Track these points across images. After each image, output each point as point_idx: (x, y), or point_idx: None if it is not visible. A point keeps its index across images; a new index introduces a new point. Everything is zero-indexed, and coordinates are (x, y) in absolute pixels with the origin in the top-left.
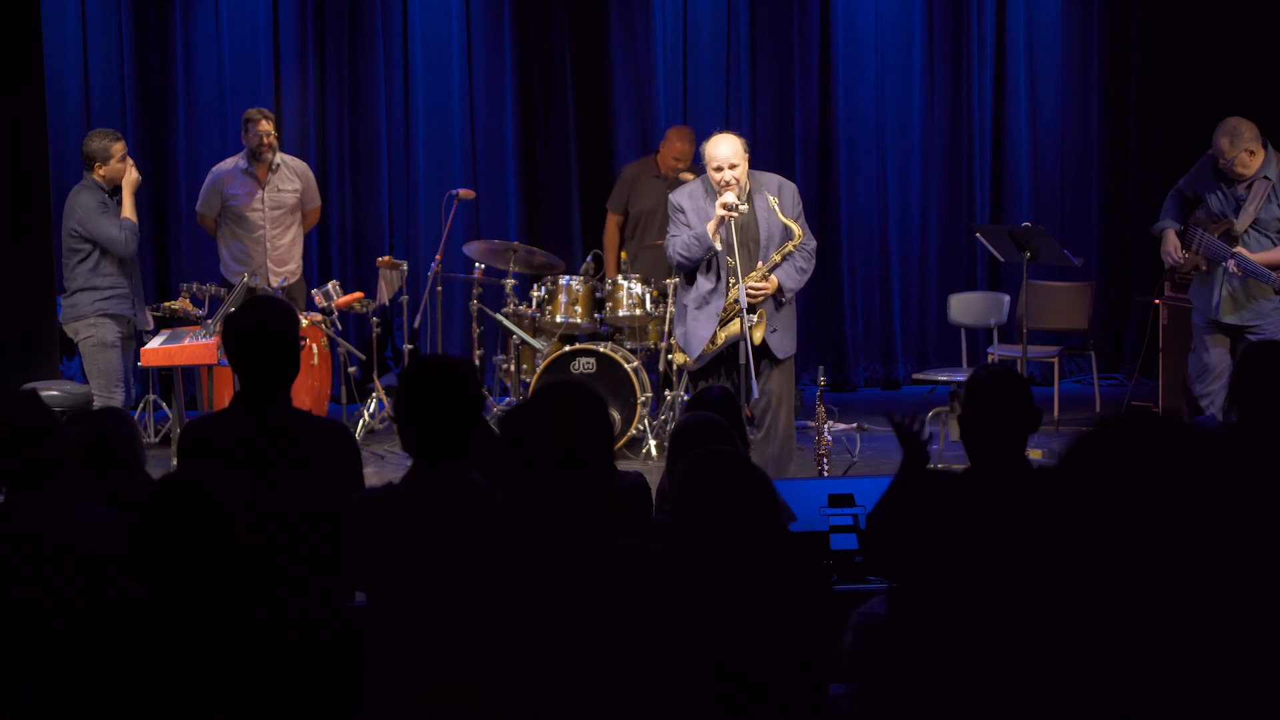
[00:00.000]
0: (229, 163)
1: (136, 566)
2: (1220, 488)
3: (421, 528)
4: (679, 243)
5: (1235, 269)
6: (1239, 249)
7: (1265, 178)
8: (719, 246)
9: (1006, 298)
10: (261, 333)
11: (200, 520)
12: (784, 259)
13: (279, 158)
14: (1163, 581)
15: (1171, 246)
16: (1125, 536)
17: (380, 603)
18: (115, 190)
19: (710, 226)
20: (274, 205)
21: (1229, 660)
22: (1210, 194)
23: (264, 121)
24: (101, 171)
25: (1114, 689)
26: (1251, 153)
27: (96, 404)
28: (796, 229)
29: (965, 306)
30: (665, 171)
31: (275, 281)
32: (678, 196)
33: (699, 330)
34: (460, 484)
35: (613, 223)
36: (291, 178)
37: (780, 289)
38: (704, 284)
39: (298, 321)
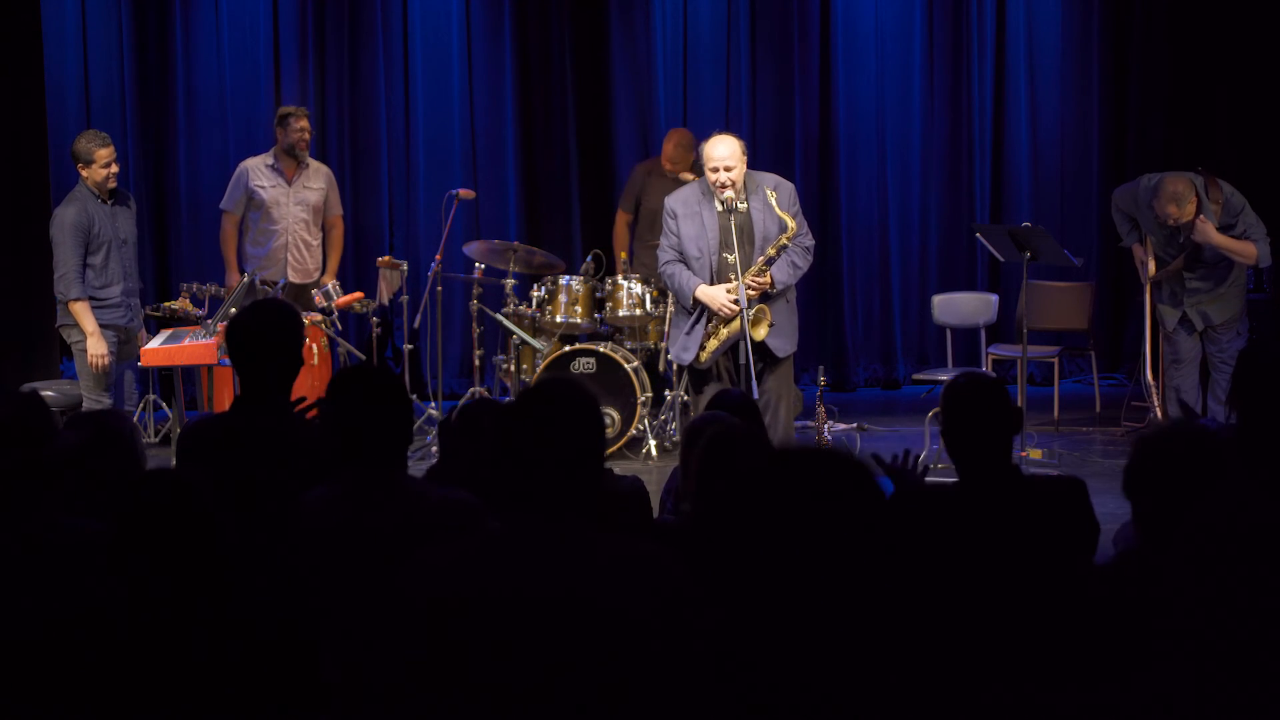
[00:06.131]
0: (255, 159)
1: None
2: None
3: (358, 532)
4: (669, 270)
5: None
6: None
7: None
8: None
9: (995, 298)
10: (263, 337)
11: (179, 518)
12: (779, 252)
13: (306, 158)
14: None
15: (1146, 263)
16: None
17: (336, 603)
18: (112, 195)
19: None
20: (298, 202)
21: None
22: (1150, 231)
23: (304, 119)
24: (85, 173)
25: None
26: (1190, 201)
27: (85, 406)
28: (791, 222)
29: (950, 306)
30: (665, 171)
31: (295, 279)
32: (672, 200)
33: (683, 352)
34: (395, 487)
35: (621, 221)
36: (318, 178)
37: (772, 282)
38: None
39: (300, 325)
